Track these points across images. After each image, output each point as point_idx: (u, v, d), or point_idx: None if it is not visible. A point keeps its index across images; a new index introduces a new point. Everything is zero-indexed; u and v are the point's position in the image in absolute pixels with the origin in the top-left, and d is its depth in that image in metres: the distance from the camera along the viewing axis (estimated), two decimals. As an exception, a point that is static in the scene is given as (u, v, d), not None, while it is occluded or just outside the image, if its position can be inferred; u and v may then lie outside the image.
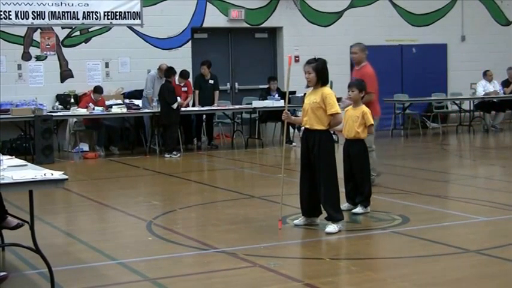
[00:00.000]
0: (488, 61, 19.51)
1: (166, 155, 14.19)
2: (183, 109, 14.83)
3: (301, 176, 7.59)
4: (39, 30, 15.70)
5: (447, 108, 19.16)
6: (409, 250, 6.73)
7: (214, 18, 17.23)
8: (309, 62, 7.51)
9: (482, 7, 20.07)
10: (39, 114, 13.83)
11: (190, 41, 17.06)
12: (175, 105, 14.26)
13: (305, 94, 8.19)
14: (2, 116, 13.93)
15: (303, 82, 7.68)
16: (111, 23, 16.23)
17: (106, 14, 16.13)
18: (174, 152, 14.25)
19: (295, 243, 7.14)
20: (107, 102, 15.06)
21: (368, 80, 9.49)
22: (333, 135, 7.68)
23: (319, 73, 7.42)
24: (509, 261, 6.22)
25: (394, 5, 19.02)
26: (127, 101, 15.68)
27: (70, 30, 15.94)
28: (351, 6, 18.54)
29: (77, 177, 11.91)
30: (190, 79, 16.15)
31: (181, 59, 16.51)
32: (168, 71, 14.57)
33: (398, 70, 19.00)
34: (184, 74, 15.40)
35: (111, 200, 9.85)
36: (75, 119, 15.10)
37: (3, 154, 6.47)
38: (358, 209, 8.21)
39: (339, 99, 8.70)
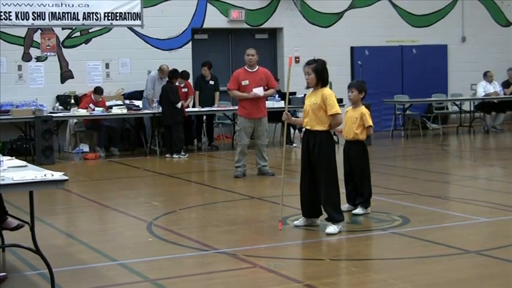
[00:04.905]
0: (489, 62, 19.52)
1: (174, 156, 14.17)
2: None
3: (302, 177, 7.60)
4: (39, 31, 15.71)
5: (447, 109, 19.16)
6: (410, 251, 6.73)
7: (214, 19, 17.24)
8: (308, 63, 7.52)
9: (483, 8, 20.07)
10: (40, 115, 13.83)
11: (190, 42, 17.06)
12: (179, 105, 14.29)
13: (305, 95, 8.20)
14: (2, 117, 13.94)
15: (303, 83, 7.69)
16: (111, 23, 16.24)
17: (106, 14, 16.14)
18: (183, 153, 14.26)
19: (295, 244, 7.14)
20: (107, 103, 15.06)
21: (273, 76, 12.04)
22: (334, 136, 7.67)
23: (319, 74, 7.42)
24: (510, 262, 6.22)
25: (395, 6, 19.02)
26: (127, 101, 15.68)
27: (70, 31, 15.95)
28: (351, 7, 18.54)
29: (77, 178, 11.92)
30: (191, 80, 16.16)
31: (182, 59, 16.51)
32: (172, 73, 14.59)
33: (398, 71, 19.00)
34: (184, 75, 15.40)
35: (112, 200, 9.85)
36: (75, 120, 15.11)
37: (3, 155, 6.47)
38: (359, 210, 8.21)
39: (339, 100, 8.75)
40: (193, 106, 15.77)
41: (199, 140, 16.08)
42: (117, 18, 16.28)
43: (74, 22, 15.90)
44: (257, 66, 11.47)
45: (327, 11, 18.29)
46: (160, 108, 14.59)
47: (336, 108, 7.39)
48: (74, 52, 15.99)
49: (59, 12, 15.74)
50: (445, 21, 19.63)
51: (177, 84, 14.81)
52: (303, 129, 7.79)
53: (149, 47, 16.59)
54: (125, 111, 14.87)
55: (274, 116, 14.27)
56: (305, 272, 6.26)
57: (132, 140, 15.80)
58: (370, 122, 8.28)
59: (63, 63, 15.94)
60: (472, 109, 18.63)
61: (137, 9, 16.46)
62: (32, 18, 15.54)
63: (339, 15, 18.46)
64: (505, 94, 18.41)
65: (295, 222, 7.70)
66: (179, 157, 14.15)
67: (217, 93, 15.88)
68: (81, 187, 11.07)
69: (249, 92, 11.22)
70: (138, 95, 16.03)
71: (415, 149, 15.59)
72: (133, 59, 16.43)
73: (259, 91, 11.19)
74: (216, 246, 6.88)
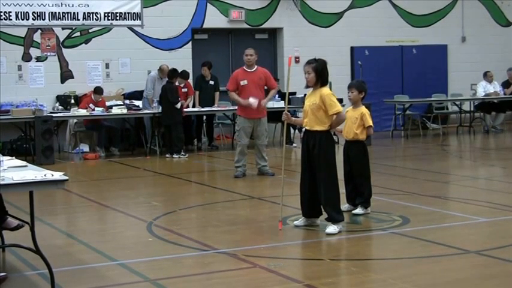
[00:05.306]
0: (489, 62, 19.52)
1: (174, 156, 14.16)
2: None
3: (302, 177, 7.60)
4: (39, 31, 15.71)
5: (447, 109, 19.16)
6: (409, 251, 6.73)
7: (214, 19, 17.24)
8: (309, 62, 7.52)
9: (483, 8, 20.07)
10: (40, 115, 13.84)
11: (190, 42, 17.06)
12: (178, 105, 14.28)
13: (305, 95, 8.20)
14: (2, 117, 13.94)
15: (303, 83, 7.68)
16: (111, 23, 16.24)
17: (106, 14, 16.14)
18: (183, 153, 14.26)
19: (295, 244, 7.14)
20: (107, 103, 15.06)
21: (272, 76, 12.00)
22: (334, 136, 7.67)
23: (319, 73, 7.42)
24: (510, 262, 6.23)
25: (395, 6, 19.02)
26: (127, 101, 15.68)
27: (70, 31, 15.95)
28: (351, 7, 18.54)
29: (77, 178, 11.92)
30: (191, 80, 16.16)
31: (182, 59, 16.52)
32: (172, 73, 14.57)
33: (398, 71, 19.00)
34: (184, 75, 15.39)
35: (112, 200, 9.86)
36: (75, 120, 15.11)
37: (3, 155, 6.47)
38: (359, 210, 8.21)
39: (339, 100, 8.74)
40: (193, 106, 15.78)
41: (199, 140, 16.08)
42: (117, 18, 16.27)
43: (74, 22, 15.90)
44: (256, 66, 11.46)
45: (327, 11, 18.29)
46: (160, 108, 14.59)
47: (337, 107, 7.38)
48: (74, 52, 15.99)
49: (59, 12, 15.74)
50: (445, 21, 19.63)
51: (176, 84, 14.81)
52: (303, 129, 7.79)
53: (149, 47, 16.59)
54: (124, 111, 14.87)
55: (274, 116, 14.28)
56: (305, 272, 6.26)
57: (132, 140, 15.80)
58: (370, 122, 8.28)
59: (63, 63, 15.94)
60: (472, 109, 18.63)
61: (137, 9, 16.46)
62: (32, 18, 15.54)
63: (339, 15, 18.46)
64: (505, 94, 18.41)
65: (295, 222, 7.70)
66: (179, 157, 14.15)
67: (217, 93, 15.87)
68: (81, 187, 11.07)
69: (247, 92, 11.21)
70: (138, 95, 16.03)
71: (415, 149, 15.59)
72: (133, 59, 16.43)
73: (254, 102, 11.09)
74: (216, 246, 6.88)
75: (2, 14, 15.23)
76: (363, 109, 8.33)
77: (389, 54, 18.83)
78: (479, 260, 6.27)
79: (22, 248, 5.89)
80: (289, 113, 7.92)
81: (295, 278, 5.88)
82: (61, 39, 15.88)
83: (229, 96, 11.73)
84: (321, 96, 7.38)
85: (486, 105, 18.36)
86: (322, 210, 7.55)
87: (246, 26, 17.63)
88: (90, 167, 13.72)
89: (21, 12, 15.43)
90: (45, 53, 15.79)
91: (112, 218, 8.93)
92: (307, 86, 7.60)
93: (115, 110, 14.77)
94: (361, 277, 5.86)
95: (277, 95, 15.78)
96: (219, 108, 15.76)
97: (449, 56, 19.73)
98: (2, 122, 13.86)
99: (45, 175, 5.51)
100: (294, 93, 15.42)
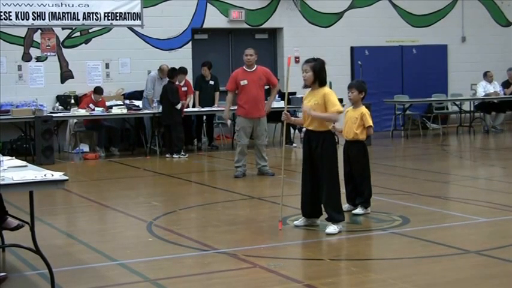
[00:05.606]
0: (489, 62, 19.52)
1: (174, 156, 14.16)
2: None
3: (303, 177, 7.59)
4: (39, 31, 15.70)
5: (447, 109, 19.16)
6: (410, 251, 6.73)
7: (214, 19, 17.24)
8: (307, 61, 7.52)
9: (483, 8, 20.07)
10: (40, 115, 13.84)
11: (190, 42, 17.06)
12: (179, 106, 14.27)
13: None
14: (2, 117, 13.94)
15: (303, 83, 7.67)
16: (111, 23, 16.23)
17: (106, 14, 16.14)
18: (183, 153, 14.26)
19: (295, 244, 7.14)
20: (107, 103, 15.06)
21: (272, 74, 11.94)
22: (334, 136, 7.67)
23: (317, 73, 7.41)
24: (510, 262, 6.22)
25: (395, 6, 19.02)
26: (127, 101, 15.68)
27: (70, 31, 15.95)
28: (351, 7, 18.53)
29: (77, 178, 11.92)
30: (191, 80, 16.16)
31: (182, 59, 16.50)
32: (172, 72, 14.56)
33: (398, 71, 18.99)
34: (182, 71, 15.30)
35: (112, 200, 9.86)
36: (75, 120, 15.11)
37: (3, 155, 6.47)
38: (359, 210, 8.21)
39: (339, 101, 8.75)
40: (193, 106, 15.78)
41: (199, 140, 16.08)
42: (117, 18, 16.27)
43: (74, 22, 15.90)
44: (255, 66, 11.47)
45: (327, 11, 18.29)
46: (161, 108, 14.58)
47: (337, 107, 7.36)
48: (74, 52, 15.99)
49: (59, 12, 15.74)
50: (445, 21, 19.63)
51: (177, 83, 14.77)
52: (303, 129, 7.78)
53: (149, 47, 16.59)
54: (124, 111, 14.87)
55: (274, 116, 14.26)
56: (305, 272, 6.26)
57: (132, 140, 15.81)
58: (370, 122, 8.28)
59: (63, 63, 15.94)
60: (472, 109, 18.63)
61: (137, 9, 16.46)
62: (32, 18, 15.54)
63: (339, 15, 18.46)
64: (505, 94, 18.41)
65: (295, 222, 7.70)
66: (179, 157, 14.15)
67: (217, 93, 15.87)
68: (81, 187, 11.07)
69: (247, 92, 11.24)
70: (138, 95, 16.03)
71: (415, 149, 15.59)
72: (133, 59, 16.43)
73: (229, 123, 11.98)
74: (216, 246, 6.88)
75: (2, 14, 15.23)
76: (363, 109, 8.33)
77: (389, 54, 18.83)
78: (479, 260, 6.27)
79: (22, 248, 5.89)
80: (288, 113, 7.92)
81: (295, 278, 5.88)
82: (61, 39, 15.88)
83: (227, 97, 11.73)
84: (323, 95, 7.37)
85: (486, 105, 18.36)
86: (323, 210, 7.55)
87: (246, 26, 17.63)
88: (90, 167, 13.72)
89: (21, 12, 15.43)
90: (45, 53, 15.79)
91: (112, 218, 8.93)
92: (305, 86, 7.58)
93: (115, 110, 14.77)
94: (361, 277, 5.86)
95: (277, 95, 15.78)
96: (219, 108, 15.74)
97: (449, 56, 19.73)
98: (2, 122, 13.86)
99: (45, 175, 5.51)
100: (294, 93, 15.41)
